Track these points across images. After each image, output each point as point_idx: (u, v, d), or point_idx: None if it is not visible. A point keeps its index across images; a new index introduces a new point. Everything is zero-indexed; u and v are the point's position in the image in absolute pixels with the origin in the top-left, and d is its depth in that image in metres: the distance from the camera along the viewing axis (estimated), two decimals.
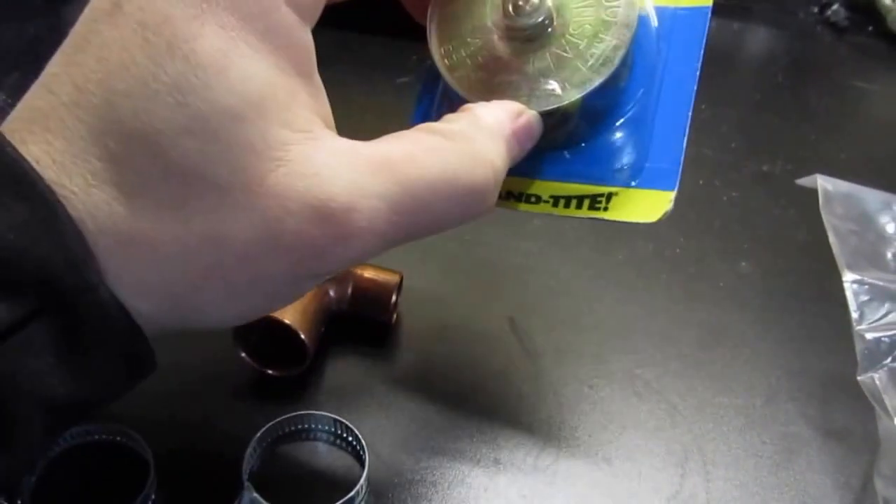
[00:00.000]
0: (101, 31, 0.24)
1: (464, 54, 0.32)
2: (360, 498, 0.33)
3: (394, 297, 0.38)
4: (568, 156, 0.32)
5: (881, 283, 0.40)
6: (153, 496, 0.32)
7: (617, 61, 0.30)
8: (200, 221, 0.23)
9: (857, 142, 0.60)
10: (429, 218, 0.26)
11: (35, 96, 0.24)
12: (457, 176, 0.26)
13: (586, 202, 0.31)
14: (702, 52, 0.32)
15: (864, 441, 0.37)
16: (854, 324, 0.38)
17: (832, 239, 0.42)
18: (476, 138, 0.28)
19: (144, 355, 0.25)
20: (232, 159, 0.23)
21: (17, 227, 0.21)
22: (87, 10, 0.25)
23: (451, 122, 0.29)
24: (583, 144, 0.32)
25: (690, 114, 0.32)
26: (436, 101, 0.35)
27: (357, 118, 0.55)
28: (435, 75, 0.34)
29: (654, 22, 0.32)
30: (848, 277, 0.40)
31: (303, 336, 0.35)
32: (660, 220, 0.31)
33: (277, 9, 0.25)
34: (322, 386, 0.37)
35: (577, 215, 0.31)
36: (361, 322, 0.39)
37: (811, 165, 0.53)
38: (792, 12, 0.76)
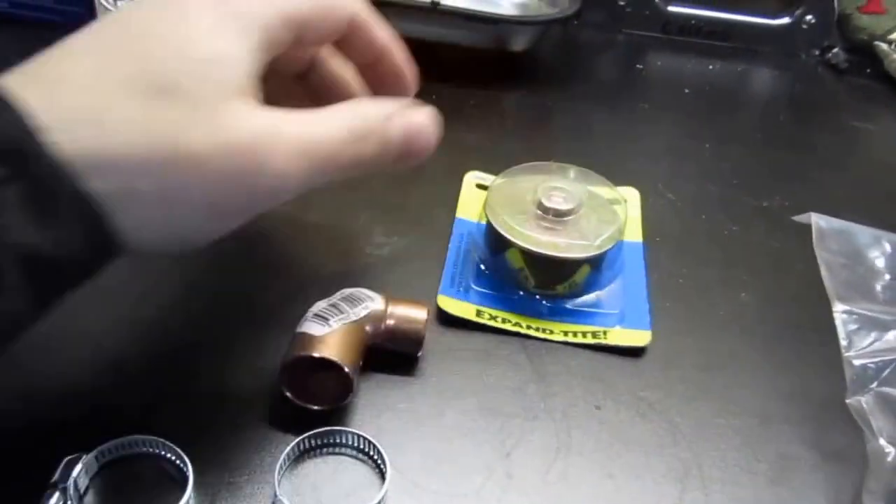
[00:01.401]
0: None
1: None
2: None
3: (423, 332, 0.41)
4: (573, 308, 0.46)
5: (869, 314, 0.43)
6: None
7: (610, 245, 0.45)
8: (164, 118, 0.30)
9: (853, 180, 0.62)
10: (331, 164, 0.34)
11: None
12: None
13: (590, 335, 0.44)
14: (644, 260, 0.50)
15: (853, 460, 0.39)
16: (843, 351, 0.41)
17: (824, 272, 0.45)
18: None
19: (100, 220, 0.29)
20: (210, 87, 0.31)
21: None
22: None
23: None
24: (584, 298, 0.46)
25: (647, 289, 0.48)
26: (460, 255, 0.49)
27: None
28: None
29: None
30: (838, 308, 0.43)
31: (347, 370, 0.37)
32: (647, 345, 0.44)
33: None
34: (348, 404, 0.39)
35: (584, 341, 0.44)
36: (391, 353, 0.41)
37: (809, 202, 0.56)
38: (794, 55, 0.79)
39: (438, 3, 0.63)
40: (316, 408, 0.38)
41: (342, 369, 0.37)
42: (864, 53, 0.77)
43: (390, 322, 0.41)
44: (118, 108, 0.29)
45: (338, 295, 0.40)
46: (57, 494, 0.33)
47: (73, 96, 0.29)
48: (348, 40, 0.39)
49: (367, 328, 0.39)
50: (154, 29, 0.32)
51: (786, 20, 0.78)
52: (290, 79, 0.41)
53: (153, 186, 0.30)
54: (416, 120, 0.37)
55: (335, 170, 0.34)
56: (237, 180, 0.31)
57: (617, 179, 0.50)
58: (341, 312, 0.38)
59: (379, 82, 0.41)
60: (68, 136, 0.28)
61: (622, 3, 0.79)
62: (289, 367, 0.38)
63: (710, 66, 0.77)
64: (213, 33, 0.32)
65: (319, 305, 0.39)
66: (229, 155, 0.31)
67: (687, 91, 0.72)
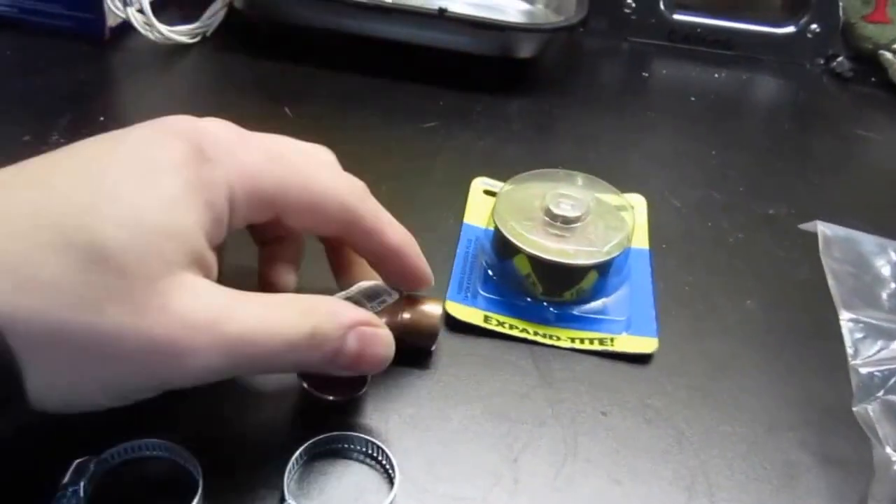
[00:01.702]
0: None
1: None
2: None
3: (439, 327, 0.41)
4: (580, 314, 0.46)
5: (875, 322, 0.43)
6: None
7: (618, 252, 0.45)
8: (94, 284, 0.28)
9: (858, 188, 0.62)
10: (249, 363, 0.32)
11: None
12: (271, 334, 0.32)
13: (597, 342, 0.45)
14: (650, 267, 0.50)
15: (859, 468, 0.39)
16: (849, 359, 0.41)
17: (830, 280, 0.45)
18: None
19: (9, 377, 0.28)
20: (151, 257, 0.29)
21: None
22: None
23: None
24: (591, 305, 0.47)
25: (653, 296, 0.48)
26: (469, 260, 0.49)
27: (385, 160, 0.59)
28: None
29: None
30: (844, 316, 0.43)
31: None
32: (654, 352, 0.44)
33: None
34: (358, 409, 0.39)
35: (591, 348, 0.44)
36: (405, 350, 0.41)
37: (814, 209, 0.56)
38: (799, 63, 0.79)
39: (445, 10, 0.64)
40: (331, 398, 0.39)
41: None
42: (868, 62, 0.78)
43: (406, 316, 0.41)
44: (48, 266, 0.28)
45: (355, 288, 0.40)
46: (67, 497, 0.33)
47: (2, 242, 0.28)
48: (350, 235, 0.38)
49: (384, 321, 0.40)
50: (112, 182, 0.30)
51: (791, 29, 0.79)
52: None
53: (65, 354, 0.28)
54: (377, 338, 0.35)
55: (264, 370, 0.35)
56: (149, 367, 0.30)
57: (623, 186, 0.51)
58: (359, 305, 0.39)
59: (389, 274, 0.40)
60: None
61: (627, 12, 0.79)
62: None
63: (716, 75, 0.77)
64: (175, 203, 0.31)
65: (338, 297, 0.39)
66: (148, 341, 0.29)
67: (692, 99, 0.72)
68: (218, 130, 0.34)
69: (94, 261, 0.28)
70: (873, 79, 0.77)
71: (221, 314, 0.31)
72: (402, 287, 0.40)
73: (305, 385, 0.39)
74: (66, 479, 0.33)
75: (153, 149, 0.32)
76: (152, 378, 0.31)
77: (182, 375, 0.31)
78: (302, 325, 0.32)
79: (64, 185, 0.30)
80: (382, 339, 0.36)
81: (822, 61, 0.79)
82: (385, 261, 0.39)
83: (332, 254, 0.42)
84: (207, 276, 0.32)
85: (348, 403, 0.39)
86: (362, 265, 0.40)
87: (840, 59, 0.78)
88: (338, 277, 0.41)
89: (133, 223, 0.29)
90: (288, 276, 0.40)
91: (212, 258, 0.32)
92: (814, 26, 0.78)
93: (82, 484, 0.33)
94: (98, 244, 0.28)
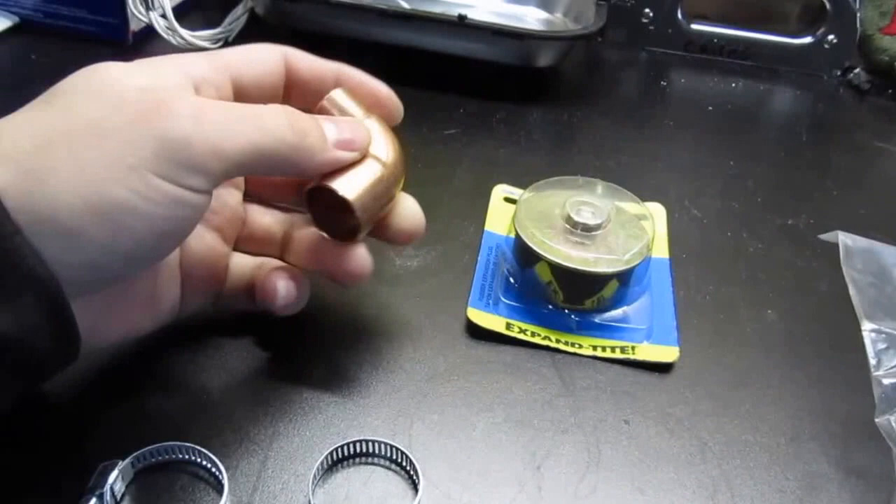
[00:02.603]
0: None
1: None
2: None
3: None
4: (601, 322, 0.46)
5: None
6: None
7: (639, 261, 0.45)
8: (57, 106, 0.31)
9: (876, 199, 0.62)
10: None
11: None
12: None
13: (618, 350, 0.45)
14: (670, 276, 0.50)
15: (881, 479, 0.39)
16: (872, 370, 0.41)
17: (852, 291, 0.45)
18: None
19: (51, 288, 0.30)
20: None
21: None
22: None
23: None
24: (612, 313, 0.47)
25: (674, 305, 0.48)
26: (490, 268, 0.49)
27: (408, 167, 0.59)
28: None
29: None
30: (867, 327, 0.43)
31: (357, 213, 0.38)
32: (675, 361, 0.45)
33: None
34: (382, 415, 0.40)
35: (613, 356, 0.44)
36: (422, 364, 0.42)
37: (832, 220, 0.56)
38: (816, 75, 0.79)
39: (465, 17, 0.64)
40: (325, 236, 0.40)
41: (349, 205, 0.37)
42: (885, 75, 0.78)
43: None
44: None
45: None
46: (93, 500, 0.33)
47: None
48: (296, 80, 0.39)
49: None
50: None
51: (808, 40, 0.79)
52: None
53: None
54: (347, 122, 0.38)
55: (264, 141, 0.34)
56: (139, 124, 0.31)
57: (641, 195, 0.51)
58: None
59: None
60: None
61: (646, 22, 0.79)
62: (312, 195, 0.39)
63: (733, 85, 0.77)
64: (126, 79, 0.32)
65: None
66: (123, 105, 0.31)
67: (710, 109, 0.72)
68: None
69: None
70: (890, 91, 0.77)
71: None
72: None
73: (313, 219, 0.40)
74: (91, 482, 0.34)
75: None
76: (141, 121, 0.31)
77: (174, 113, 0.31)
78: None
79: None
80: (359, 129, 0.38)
81: (838, 73, 0.79)
82: (338, 85, 0.40)
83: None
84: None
85: (374, 407, 0.40)
86: None
87: (857, 70, 0.78)
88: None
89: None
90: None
91: (209, 85, 0.35)
92: (831, 38, 0.78)
93: (108, 486, 0.34)
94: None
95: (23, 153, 0.29)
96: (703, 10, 0.80)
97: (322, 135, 0.36)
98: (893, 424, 0.39)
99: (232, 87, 0.36)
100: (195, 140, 0.31)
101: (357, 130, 0.38)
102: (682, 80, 0.78)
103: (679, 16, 0.79)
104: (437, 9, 0.71)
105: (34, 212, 0.29)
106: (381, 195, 0.39)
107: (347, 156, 0.37)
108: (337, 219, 0.39)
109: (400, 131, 0.62)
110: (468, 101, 0.67)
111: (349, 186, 0.37)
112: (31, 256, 0.29)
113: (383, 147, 0.39)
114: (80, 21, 0.66)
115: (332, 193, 0.37)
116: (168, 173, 0.31)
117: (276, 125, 0.34)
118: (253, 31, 0.71)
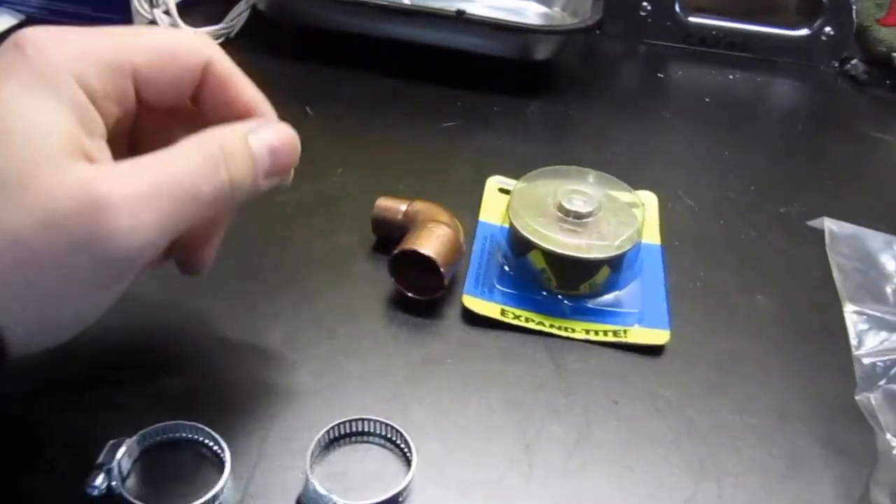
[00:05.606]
0: None
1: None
2: (404, 494, 0.36)
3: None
4: (594, 307, 0.47)
5: (879, 315, 0.44)
6: (229, 487, 0.36)
7: (629, 246, 0.47)
8: None
9: (870, 187, 0.63)
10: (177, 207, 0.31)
11: None
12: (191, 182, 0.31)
13: (610, 333, 0.46)
14: (662, 262, 0.51)
15: (863, 454, 0.40)
16: (853, 350, 0.42)
17: (836, 274, 0.46)
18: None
19: None
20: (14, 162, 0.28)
21: None
22: None
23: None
24: (605, 298, 0.48)
25: (665, 290, 0.49)
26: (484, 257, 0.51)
27: (406, 159, 0.60)
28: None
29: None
30: (848, 308, 0.44)
31: (441, 268, 0.44)
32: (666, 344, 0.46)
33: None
34: (378, 395, 0.41)
35: (605, 339, 0.45)
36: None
37: (825, 209, 0.57)
38: (814, 66, 0.80)
39: (464, 12, 0.65)
40: (411, 295, 0.46)
41: (435, 262, 0.44)
42: (882, 65, 0.78)
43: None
44: None
45: None
46: (102, 475, 0.34)
47: None
48: (206, 94, 0.36)
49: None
50: None
51: (805, 32, 0.80)
52: (166, 114, 0.36)
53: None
54: (279, 131, 0.35)
55: (199, 207, 0.31)
56: (77, 252, 0.29)
57: (638, 185, 0.52)
58: None
59: None
60: None
61: (644, 14, 0.80)
62: (398, 257, 0.45)
63: (731, 77, 0.78)
64: (14, 101, 0.30)
65: None
66: (56, 227, 0.28)
67: (707, 100, 0.73)
68: (36, 30, 0.33)
69: None
70: (887, 81, 0.78)
71: (121, 168, 0.30)
72: None
73: (395, 282, 0.46)
74: (100, 458, 0.35)
75: None
76: (85, 263, 0.29)
77: (119, 245, 0.29)
78: (207, 142, 0.32)
79: None
80: (286, 133, 0.35)
81: (836, 64, 0.80)
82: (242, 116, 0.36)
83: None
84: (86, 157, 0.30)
85: (370, 388, 0.41)
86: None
87: (854, 61, 0.79)
88: None
89: None
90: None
91: (87, 141, 0.31)
92: (828, 29, 0.79)
93: (116, 462, 0.35)
94: None
95: None
96: (700, 2, 0.81)
97: (251, 171, 0.34)
98: (873, 402, 0.40)
99: (132, 80, 0.33)
100: (129, 252, 0.29)
101: (284, 150, 0.35)
102: (680, 73, 0.79)
103: (677, 8, 0.80)
104: (436, 4, 0.72)
105: None
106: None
107: (275, 183, 0.35)
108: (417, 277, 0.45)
109: (399, 124, 0.63)
110: (467, 95, 0.68)
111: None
112: None
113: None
114: (84, 18, 0.67)
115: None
116: (105, 283, 0.31)
117: (195, 189, 0.31)
118: (255, 28, 0.73)
